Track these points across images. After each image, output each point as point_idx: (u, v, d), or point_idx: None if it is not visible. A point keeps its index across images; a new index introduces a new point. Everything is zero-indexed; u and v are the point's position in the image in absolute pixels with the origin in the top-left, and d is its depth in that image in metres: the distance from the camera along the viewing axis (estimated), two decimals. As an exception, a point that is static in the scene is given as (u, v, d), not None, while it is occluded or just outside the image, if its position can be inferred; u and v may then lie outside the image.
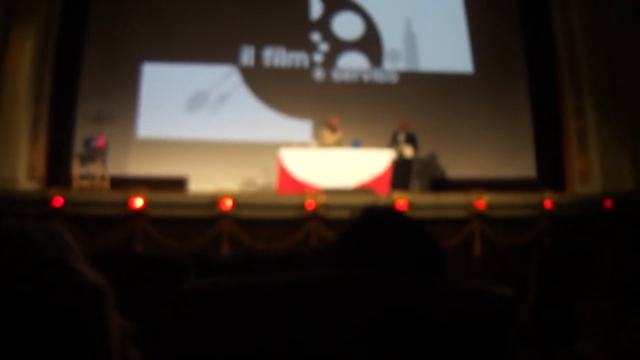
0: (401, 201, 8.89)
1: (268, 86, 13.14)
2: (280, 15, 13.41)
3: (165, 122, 12.71)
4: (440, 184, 12.44)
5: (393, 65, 13.65)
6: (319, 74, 13.41)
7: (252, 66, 13.31)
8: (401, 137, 11.52)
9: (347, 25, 13.81)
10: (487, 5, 13.90)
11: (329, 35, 13.66)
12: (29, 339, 1.70)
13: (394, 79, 13.55)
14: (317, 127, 11.97)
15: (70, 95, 11.88)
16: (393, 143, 11.43)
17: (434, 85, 13.36)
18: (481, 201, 9.14)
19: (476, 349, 1.44)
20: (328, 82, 13.38)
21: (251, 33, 13.31)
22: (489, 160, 12.81)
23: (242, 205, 8.76)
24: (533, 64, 13.21)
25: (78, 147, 11.29)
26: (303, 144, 11.17)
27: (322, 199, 8.82)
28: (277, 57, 13.41)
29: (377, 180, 10.33)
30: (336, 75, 13.45)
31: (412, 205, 8.94)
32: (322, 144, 11.03)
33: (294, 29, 13.52)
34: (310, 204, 8.73)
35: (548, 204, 9.40)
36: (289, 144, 10.79)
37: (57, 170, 11.29)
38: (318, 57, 13.52)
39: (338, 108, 12.35)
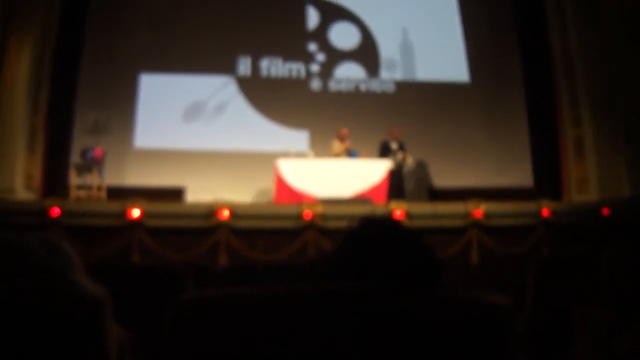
0: (398, 211, 8.90)
1: (265, 96, 13.15)
2: (277, 26, 13.44)
3: (162, 132, 12.70)
4: (438, 193, 12.45)
5: (390, 74, 13.68)
6: (315, 84, 13.43)
7: (249, 76, 13.33)
8: (394, 146, 11.55)
9: (343, 35, 13.85)
10: (483, 14, 13.95)
11: (325, 46, 13.69)
12: (28, 350, 1.70)
13: (390, 88, 13.58)
14: (328, 138, 11.97)
15: (67, 105, 11.87)
16: (387, 152, 11.45)
17: (430, 95, 13.39)
18: (478, 210, 9.16)
19: (474, 358, 1.44)
20: (325, 92, 13.40)
21: (248, 43, 13.33)
22: (486, 169, 12.83)
23: (240, 215, 8.76)
24: (529, 73, 13.23)
25: (75, 158, 11.27)
26: (300, 154, 11.18)
27: (320, 209, 8.83)
28: (274, 67, 13.43)
29: (375, 190, 10.35)
30: (333, 85, 13.47)
31: (409, 215, 8.95)
32: (332, 153, 11.14)
33: (291, 39, 13.55)
34: (307, 214, 8.73)
35: (545, 212, 9.42)
36: (286, 154, 10.81)
37: (54, 180, 11.27)
38: (315, 67, 13.54)
39: (335, 118, 12.39)
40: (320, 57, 13.62)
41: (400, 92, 13.52)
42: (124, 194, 10.22)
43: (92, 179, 10.70)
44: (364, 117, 12.58)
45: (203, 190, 11.69)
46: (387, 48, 13.85)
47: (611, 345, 2.27)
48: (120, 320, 1.94)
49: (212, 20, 13.23)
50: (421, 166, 12.74)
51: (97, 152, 10.89)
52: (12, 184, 10.13)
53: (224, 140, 12.72)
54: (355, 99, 13.37)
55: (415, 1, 14.25)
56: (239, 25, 13.31)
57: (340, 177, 10.37)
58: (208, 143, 12.69)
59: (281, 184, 10.32)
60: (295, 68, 13.49)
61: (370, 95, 13.48)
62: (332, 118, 12.61)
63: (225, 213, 8.62)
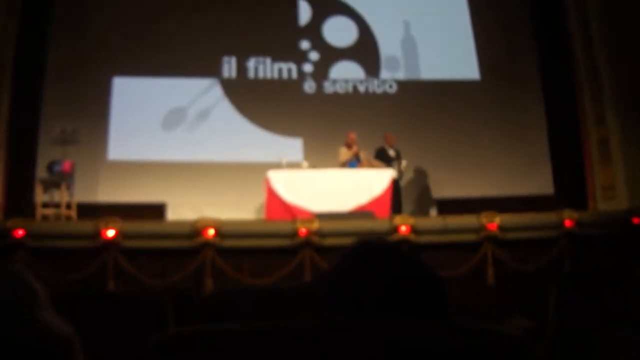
0: (404, 226, 8.88)
1: (253, 100, 13.15)
2: (264, 22, 13.46)
3: (139, 142, 12.70)
4: (447, 204, 12.41)
5: (391, 73, 13.70)
6: (309, 86, 13.44)
7: (234, 79, 13.34)
8: (392, 153, 11.55)
9: (339, 31, 13.87)
10: (494, 4, 13.97)
11: (319, 43, 13.70)
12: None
13: (392, 89, 13.59)
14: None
15: (31, 114, 11.84)
16: (384, 160, 11.43)
17: (436, 95, 13.40)
18: (493, 223, 9.14)
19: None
20: (319, 95, 13.42)
21: (232, 42, 13.35)
22: (500, 176, 12.81)
23: (226, 234, 8.73)
24: (547, 67, 13.24)
25: (41, 172, 11.22)
26: (293, 164, 11.17)
27: (316, 225, 8.80)
28: (262, 68, 13.44)
29: (376, 203, 10.33)
30: (328, 87, 13.49)
31: (416, 230, 8.93)
32: (339, 162, 11.18)
33: (281, 36, 13.57)
34: (302, 231, 8.71)
35: (568, 223, 9.39)
36: (277, 165, 10.80)
37: (17, 198, 11.21)
38: (308, 67, 13.56)
39: (331, 123, 12.41)
40: (314, 55, 13.64)
41: (402, 92, 13.53)
42: (96, 212, 10.20)
43: (60, 196, 10.64)
44: (364, 121, 12.54)
45: (185, 207, 11.67)
46: (388, 44, 13.88)
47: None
48: (92, 360, 1.92)
49: (193, 17, 13.25)
50: (426, 175, 12.74)
51: (66, 165, 10.84)
52: (-31, 204, 10.11)
53: (208, 150, 12.71)
54: (353, 101, 13.38)
55: (418, -8, 14.28)
56: (222, 22, 13.33)
57: (338, 189, 10.36)
58: (190, 153, 12.68)
59: (273, 198, 10.30)
60: (285, 68, 13.50)
61: (370, 97, 13.50)
62: (328, 123, 12.63)
63: (211, 232, 8.58)
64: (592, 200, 11.92)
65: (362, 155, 11.33)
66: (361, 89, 13.55)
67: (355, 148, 11.28)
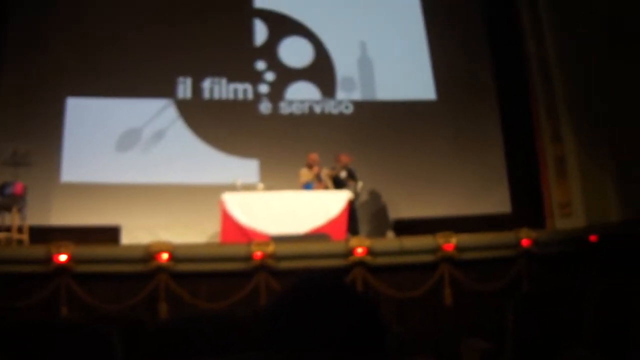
0: (360, 248, 8.86)
1: (208, 121, 13.09)
2: (219, 42, 13.42)
3: (93, 164, 12.56)
4: (403, 225, 12.41)
5: (347, 94, 13.73)
6: (265, 107, 13.41)
7: (189, 99, 13.26)
8: (343, 175, 11.53)
9: (295, 52, 13.89)
10: (451, 24, 14.09)
11: (275, 63, 13.70)
12: None
13: (348, 109, 13.61)
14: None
15: (-20, 136, 11.71)
16: (337, 185, 11.40)
17: (393, 115, 13.46)
18: (450, 243, 9.15)
19: None
20: (275, 115, 13.39)
21: (187, 62, 13.30)
22: (457, 196, 12.87)
23: (181, 258, 8.63)
24: (503, 86, 13.41)
25: (-9, 195, 11.06)
26: (248, 187, 11.11)
27: (271, 248, 8.74)
28: (218, 88, 13.38)
29: (332, 224, 10.31)
30: (284, 107, 13.47)
31: (372, 252, 8.90)
32: (300, 183, 11.16)
33: (236, 57, 13.54)
34: (257, 254, 8.64)
35: (526, 242, 9.43)
36: (233, 187, 10.74)
37: (-34, 222, 11.04)
38: (264, 88, 13.54)
39: (287, 144, 12.41)
40: (270, 76, 13.63)
41: (359, 113, 13.56)
42: (49, 235, 10.03)
43: (11, 219, 10.49)
44: (320, 142, 12.48)
45: (140, 229, 11.58)
46: (344, 65, 13.91)
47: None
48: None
49: (148, 38, 13.19)
50: (383, 195, 12.76)
51: (17, 187, 10.68)
52: None
53: (163, 171, 12.61)
54: (309, 121, 13.37)
55: (374, 13, 14.32)
56: (177, 42, 13.28)
57: (294, 211, 10.33)
58: (145, 175, 12.58)
59: (228, 220, 10.24)
60: (241, 89, 13.46)
61: (326, 118, 13.50)
62: (284, 144, 12.63)
63: (164, 256, 8.47)
64: (549, 218, 12.03)
65: (324, 173, 11.31)
66: (317, 109, 13.55)
67: (316, 169, 11.26)
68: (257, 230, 9.99)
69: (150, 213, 12.06)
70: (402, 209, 12.82)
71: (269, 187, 11.08)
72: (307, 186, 10.96)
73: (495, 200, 12.99)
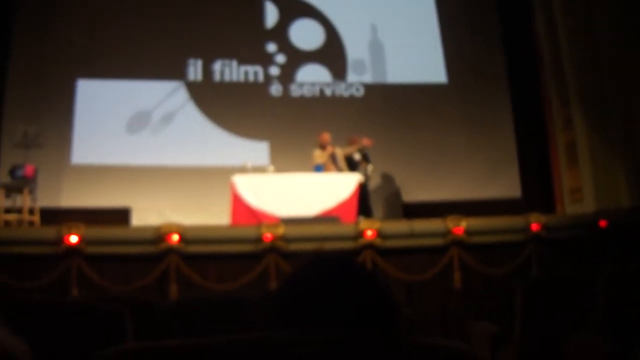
0: (370, 230, 8.86)
1: (218, 104, 13.10)
2: (230, 25, 13.39)
3: (103, 145, 12.58)
4: (413, 208, 12.41)
5: (358, 77, 13.70)
6: (275, 89, 13.40)
7: (199, 82, 13.26)
8: (357, 157, 11.52)
9: (306, 34, 13.84)
10: (462, 7, 14.02)
11: (286, 46, 13.67)
12: None
13: (359, 92, 13.59)
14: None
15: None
16: (351, 166, 11.40)
17: (403, 98, 13.42)
18: (460, 227, 9.14)
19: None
20: (286, 98, 13.38)
21: (198, 45, 13.28)
22: (467, 180, 12.85)
23: (191, 239, 8.65)
24: (514, 71, 13.34)
25: (2, 177, 11.08)
26: (259, 169, 11.12)
27: (281, 230, 8.75)
28: (228, 71, 13.37)
29: (342, 207, 10.29)
30: (295, 90, 13.46)
31: (382, 234, 8.91)
32: (313, 165, 11.12)
33: (247, 39, 13.50)
34: (267, 236, 8.65)
35: (535, 226, 9.41)
36: (243, 169, 10.75)
37: (-23, 204, 11.08)
38: (274, 70, 13.52)
39: (298, 126, 12.39)
40: (280, 58, 13.61)
41: (369, 96, 13.54)
42: (60, 218, 10.10)
43: (22, 201, 10.52)
44: (330, 125, 12.38)
45: (150, 211, 11.62)
46: (355, 48, 13.87)
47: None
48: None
49: (158, 20, 13.17)
50: (394, 178, 12.75)
51: (28, 169, 10.71)
52: None
53: (173, 153, 12.63)
54: (320, 104, 13.36)
55: (386, -4, 14.28)
56: (188, 24, 13.25)
57: (304, 193, 10.32)
58: (155, 157, 12.60)
59: (238, 203, 10.24)
60: (252, 71, 13.45)
61: (337, 100, 13.48)
62: (294, 126, 12.62)
63: (175, 237, 8.50)
64: (559, 204, 11.99)
65: (338, 152, 11.29)
66: (328, 92, 13.53)
67: (329, 148, 11.23)
68: (267, 212, 9.99)
69: (160, 195, 12.10)
70: (412, 192, 12.82)
71: (279, 170, 11.06)
72: (318, 168, 10.94)
73: (506, 185, 12.97)
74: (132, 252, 8.61)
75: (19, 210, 10.45)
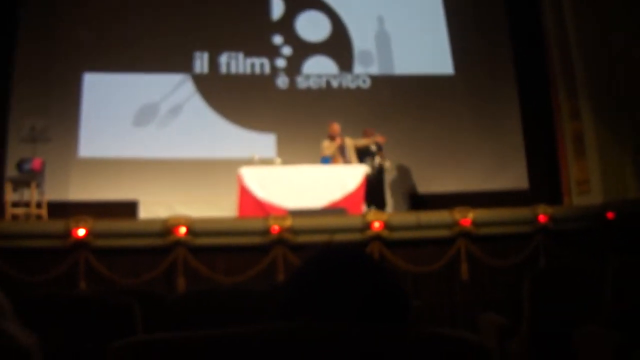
0: (377, 222, 8.86)
1: (225, 96, 13.10)
2: (236, 17, 13.39)
3: (110, 139, 12.60)
4: (420, 200, 12.43)
5: (364, 68, 13.69)
6: (282, 81, 13.40)
7: (206, 74, 13.26)
8: (373, 147, 11.52)
9: (312, 26, 13.83)
10: (469, -2, 14.02)
11: (292, 38, 13.67)
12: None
13: (365, 84, 13.58)
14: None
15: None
16: (366, 155, 11.40)
17: (410, 90, 13.41)
18: (467, 218, 9.13)
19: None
20: (292, 90, 13.38)
21: (204, 37, 13.28)
22: (474, 171, 12.85)
23: (198, 232, 8.66)
24: (521, 61, 13.32)
25: (10, 170, 11.13)
26: (266, 161, 11.13)
27: (288, 222, 8.75)
28: (235, 63, 13.37)
29: (349, 199, 10.30)
30: (301, 82, 13.46)
31: (389, 226, 8.91)
32: (323, 155, 11.10)
33: (253, 31, 13.49)
34: (275, 228, 8.66)
35: (543, 218, 9.40)
36: (250, 161, 10.76)
37: (-15, 198, 11.13)
38: (280, 62, 13.52)
39: (304, 118, 12.40)
40: (287, 50, 13.60)
41: (376, 87, 13.53)
42: (67, 211, 10.13)
43: (30, 195, 10.55)
44: (337, 117, 12.34)
45: (158, 204, 11.63)
46: (362, 39, 13.86)
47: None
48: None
49: (164, 12, 13.18)
50: (401, 170, 12.74)
51: (36, 163, 10.73)
52: None
53: (180, 146, 12.65)
54: (326, 96, 13.35)
55: (392, -13, 14.25)
56: (193, 17, 13.27)
57: (311, 185, 10.32)
58: (162, 150, 12.61)
59: (245, 195, 10.26)
60: (258, 63, 13.45)
61: (344, 92, 13.48)
62: (301, 119, 12.63)
63: (182, 230, 8.51)
64: (566, 195, 11.97)
65: (348, 143, 11.27)
66: (334, 84, 13.53)
67: (338, 139, 11.21)
68: (275, 205, 10.00)
69: (167, 188, 12.12)
70: (419, 183, 12.84)
71: (286, 162, 11.08)
72: (325, 160, 10.93)
73: (513, 176, 12.96)
74: (139, 244, 8.63)
75: (27, 204, 10.49)
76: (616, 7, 11.02)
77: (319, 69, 13.59)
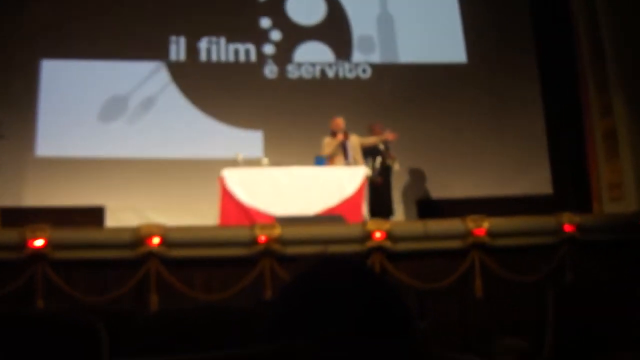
0: (378, 232, 8.87)
1: (205, 87, 13.09)
2: (217, -4, 13.39)
3: (72, 135, 12.57)
4: (429, 207, 12.43)
5: (364, 56, 13.70)
6: (270, 70, 13.40)
7: (183, 62, 13.25)
8: (381, 145, 11.50)
9: (305, 7, 13.83)
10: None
11: (282, 21, 13.65)
12: None
13: (366, 73, 13.60)
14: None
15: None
16: (373, 153, 11.39)
17: (416, 80, 13.42)
18: (482, 228, 9.16)
19: None
20: (282, 80, 13.38)
21: (181, 20, 13.26)
22: (490, 174, 12.85)
23: (174, 242, 8.68)
24: (545, 51, 13.34)
25: (-43, 173, 11.14)
26: (251, 161, 11.14)
27: (277, 231, 8.78)
28: (216, 49, 13.37)
29: (347, 204, 10.28)
30: (292, 71, 13.46)
31: (392, 237, 8.92)
32: (324, 155, 11.10)
33: (237, 13, 13.47)
34: (261, 238, 8.68)
35: (569, 227, 9.44)
36: (233, 162, 10.76)
37: None
38: (269, 49, 13.51)
39: (295, 113, 12.40)
40: (276, 35, 13.60)
41: (378, 78, 13.54)
42: (23, 218, 10.09)
43: (-20, 200, 10.56)
44: (333, 111, 12.32)
45: (127, 210, 11.62)
46: (361, 23, 13.86)
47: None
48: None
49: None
50: (406, 172, 12.74)
51: (-14, 164, 10.75)
52: None
53: (153, 144, 12.64)
54: (321, 87, 13.37)
55: (395, -37, 14.27)
56: (168, -4, 13.27)
57: (303, 189, 10.32)
58: (132, 149, 12.59)
59: (228, 200, 10.26)
60: (243, 50, 13.45)
61: (341, 83, 13.49)
62: (291, 113, 12.62)
63: (155, 240, 8.52)
64: (596, 201, 11.99)
65: (354, 141, 11.26)
66: (330, 73, 13.53)
67: (340, 135, 11.19)
68: (262, 211, 10.01)
69: (138, 192, 12.11)
70: (427, 187, 12.84)
71: (274, 162, 11.08)
72: (319, 161, 10.92)
73: (534, 180, 12.96)
74: (106, 257, 8.65)
75: (-23, 211, 10.49)
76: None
77: (312, 56, 13.59)
